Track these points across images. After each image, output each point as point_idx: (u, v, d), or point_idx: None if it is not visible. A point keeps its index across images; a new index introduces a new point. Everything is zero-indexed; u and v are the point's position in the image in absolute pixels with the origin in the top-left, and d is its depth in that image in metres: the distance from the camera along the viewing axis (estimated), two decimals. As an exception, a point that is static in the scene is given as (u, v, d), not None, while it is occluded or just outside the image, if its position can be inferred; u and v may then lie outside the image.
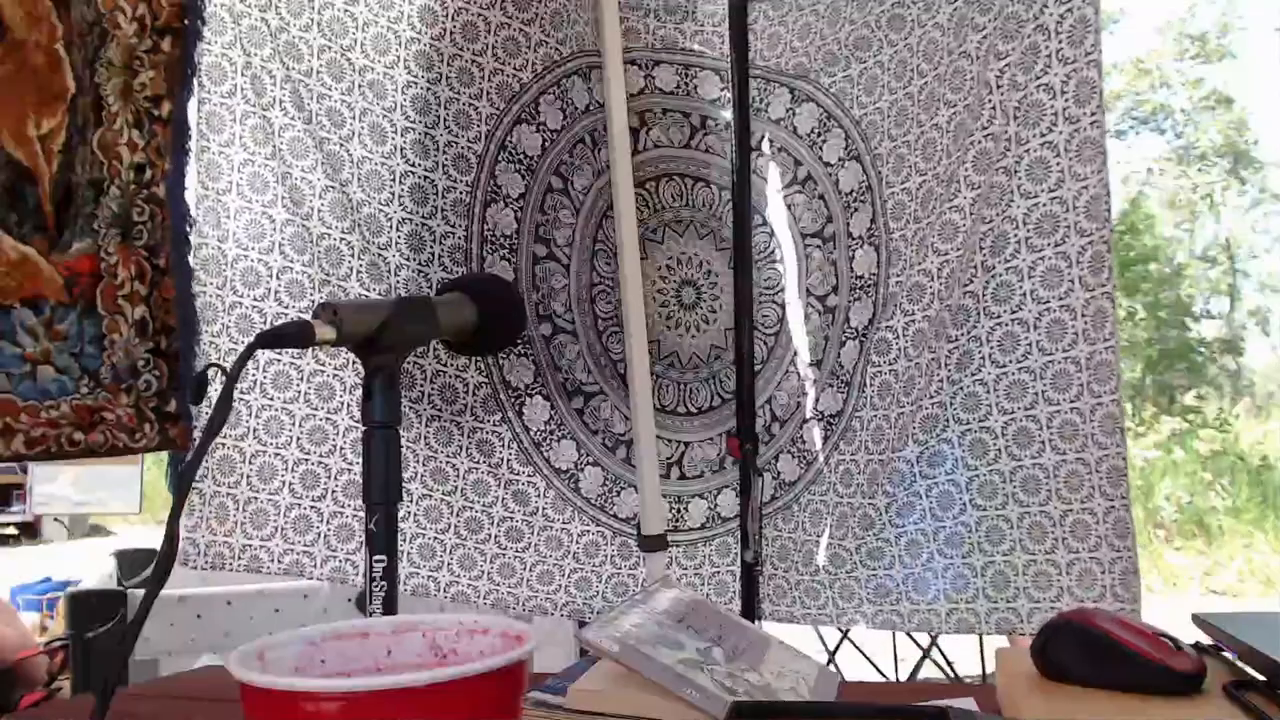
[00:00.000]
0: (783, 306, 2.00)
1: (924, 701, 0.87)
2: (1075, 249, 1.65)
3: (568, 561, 1.98)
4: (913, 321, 1.85)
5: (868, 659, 3.11)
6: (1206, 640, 0.90)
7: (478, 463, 1.93)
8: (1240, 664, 0.83)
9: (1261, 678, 0.79)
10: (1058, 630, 0.85)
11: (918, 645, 3.00)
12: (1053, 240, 1.67)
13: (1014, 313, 1.71)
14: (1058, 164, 1.66)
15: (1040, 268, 1.68)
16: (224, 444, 1.75)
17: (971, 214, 1.78)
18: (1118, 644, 0.80)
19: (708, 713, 0.82)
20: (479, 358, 1.90)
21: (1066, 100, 1.65)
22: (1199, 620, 0.92)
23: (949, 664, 2.93)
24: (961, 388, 1.77)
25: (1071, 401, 1.67)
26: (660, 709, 0.84)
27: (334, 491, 1.83)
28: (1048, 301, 1.68)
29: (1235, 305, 14.48)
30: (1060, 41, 1.65)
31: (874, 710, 0.90)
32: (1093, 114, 1.63)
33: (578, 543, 1.99)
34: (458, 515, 1.92)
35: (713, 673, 0.87)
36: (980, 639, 3.03)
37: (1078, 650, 0.82)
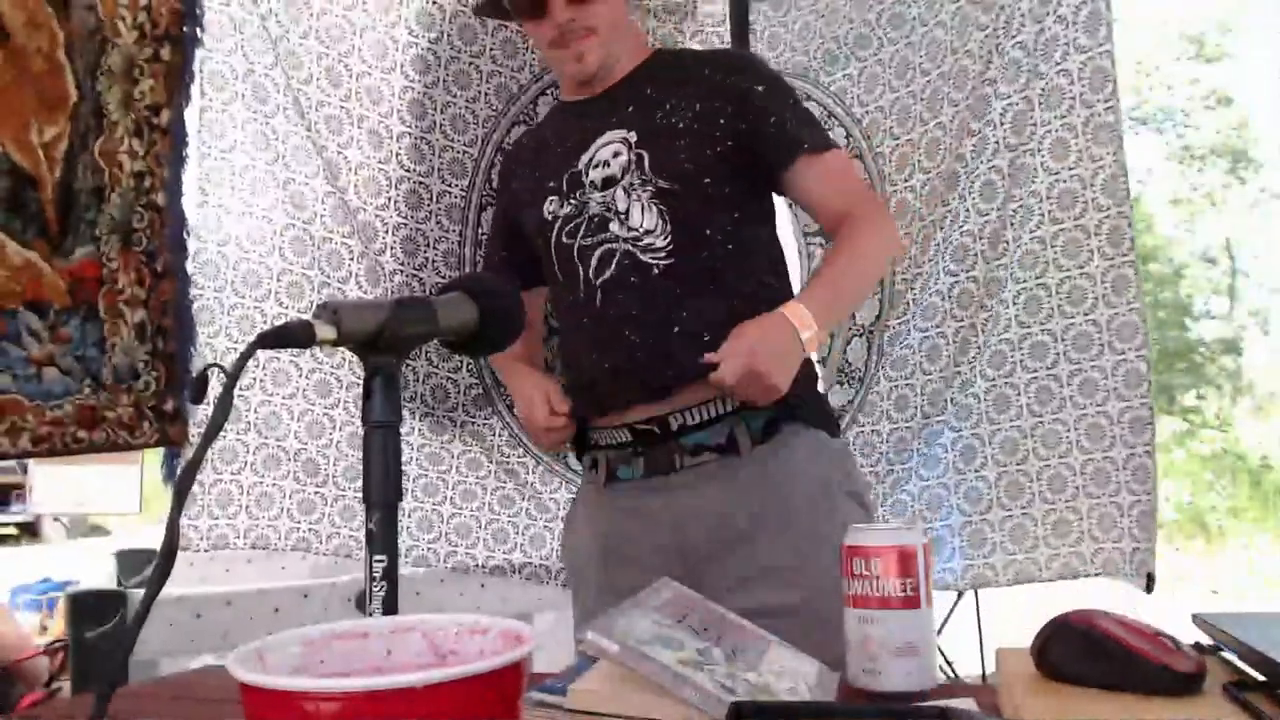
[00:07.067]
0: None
1: (924, 702, 0.87)
2: (1093, 222, 1.75)
3: (555, 524, 2.00)
4: (917, 306, 1.90)
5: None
6: (1206, 640, 0.90)
7: (469, 446, 1.96)
8: (1240, 664, 0.83)
9: (1261, 678, 0.79)
10: (1058, 630, 0.85)
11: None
12: (1072, 214, 1.77)
13: (1039, 279, 1.82)
14: (1075, 144, 1.76)
15: (1061, 239, 1.79)
16: (225, 436, 1.77)
17: (971, 204, 1.84)
18: (1118, 644, 0.80)
19: (707, 713, 0.82)
20: (473, 359, 1.90)
21: (1083, 86, 1.75)
22: (1199, 620, 0.92)
23: (949, 664, 2.93)
24: (989, 346, 1.86)
25: (1092, 360, 1.76)
26: (660, 709, 0.84)
27: (335, 477, 1.86)
28: (1068, 269, 1.78)
29: (1235, 305, 14.46)
30: (1077, 31, 1.74)
31: (874, 710, 0.90)
32: (1107, 100, 1.73)
33: (564, 509, 2.00)
34: (453, 489, 1.96)
35: (712, 673, 0.87)
36: (980, 638, 3.03)
37: (1078, 650, 0.82)
